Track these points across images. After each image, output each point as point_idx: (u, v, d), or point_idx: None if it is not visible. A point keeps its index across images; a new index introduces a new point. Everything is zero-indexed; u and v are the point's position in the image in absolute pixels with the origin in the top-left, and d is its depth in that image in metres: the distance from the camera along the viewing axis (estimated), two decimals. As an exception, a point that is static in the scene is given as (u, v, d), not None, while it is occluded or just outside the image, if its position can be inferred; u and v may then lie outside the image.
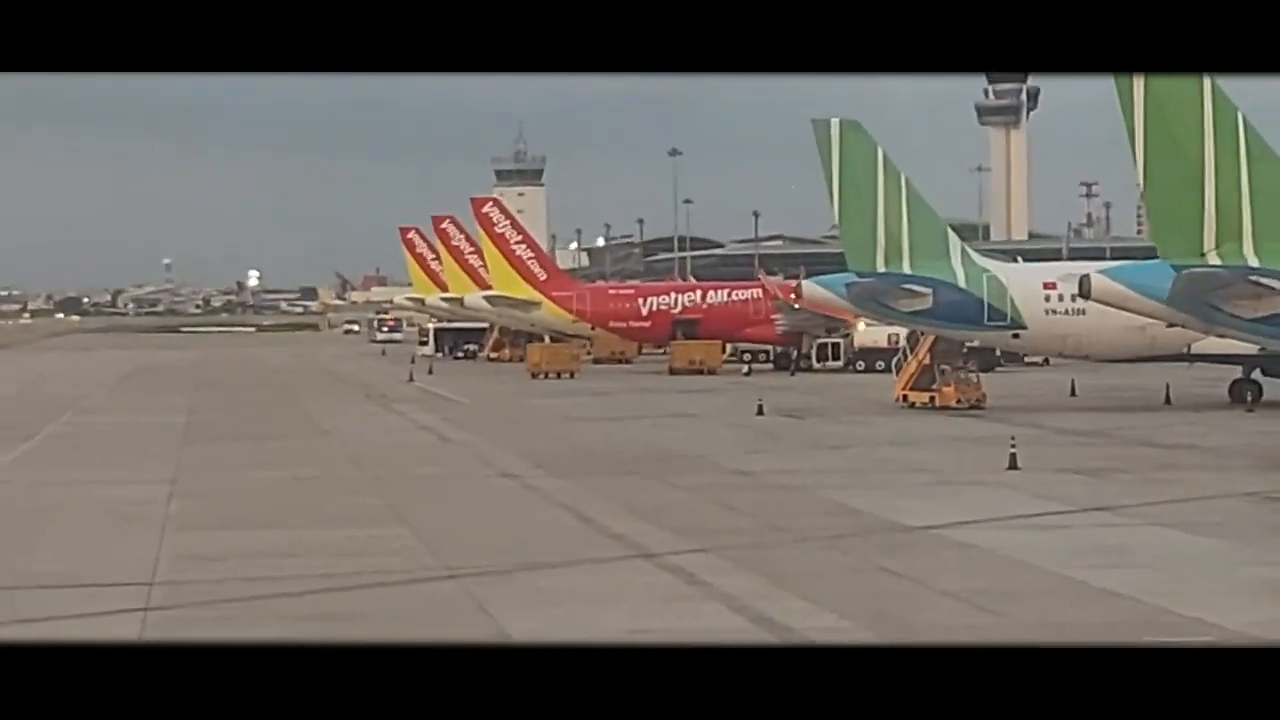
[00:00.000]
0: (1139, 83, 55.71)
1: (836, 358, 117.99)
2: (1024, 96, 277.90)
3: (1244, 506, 44.29)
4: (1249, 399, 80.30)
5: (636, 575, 33.51)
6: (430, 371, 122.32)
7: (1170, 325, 64.54)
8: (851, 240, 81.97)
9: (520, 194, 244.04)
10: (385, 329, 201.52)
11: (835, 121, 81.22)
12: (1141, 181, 57.99)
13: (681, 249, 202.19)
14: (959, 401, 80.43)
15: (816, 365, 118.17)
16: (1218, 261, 56.67)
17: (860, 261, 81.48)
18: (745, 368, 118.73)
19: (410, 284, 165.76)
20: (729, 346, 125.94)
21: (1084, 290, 63.08)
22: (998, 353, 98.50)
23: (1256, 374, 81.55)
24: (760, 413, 78.00)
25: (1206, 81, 55.99)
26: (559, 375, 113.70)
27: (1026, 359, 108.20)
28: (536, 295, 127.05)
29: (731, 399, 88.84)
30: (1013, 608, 29.42)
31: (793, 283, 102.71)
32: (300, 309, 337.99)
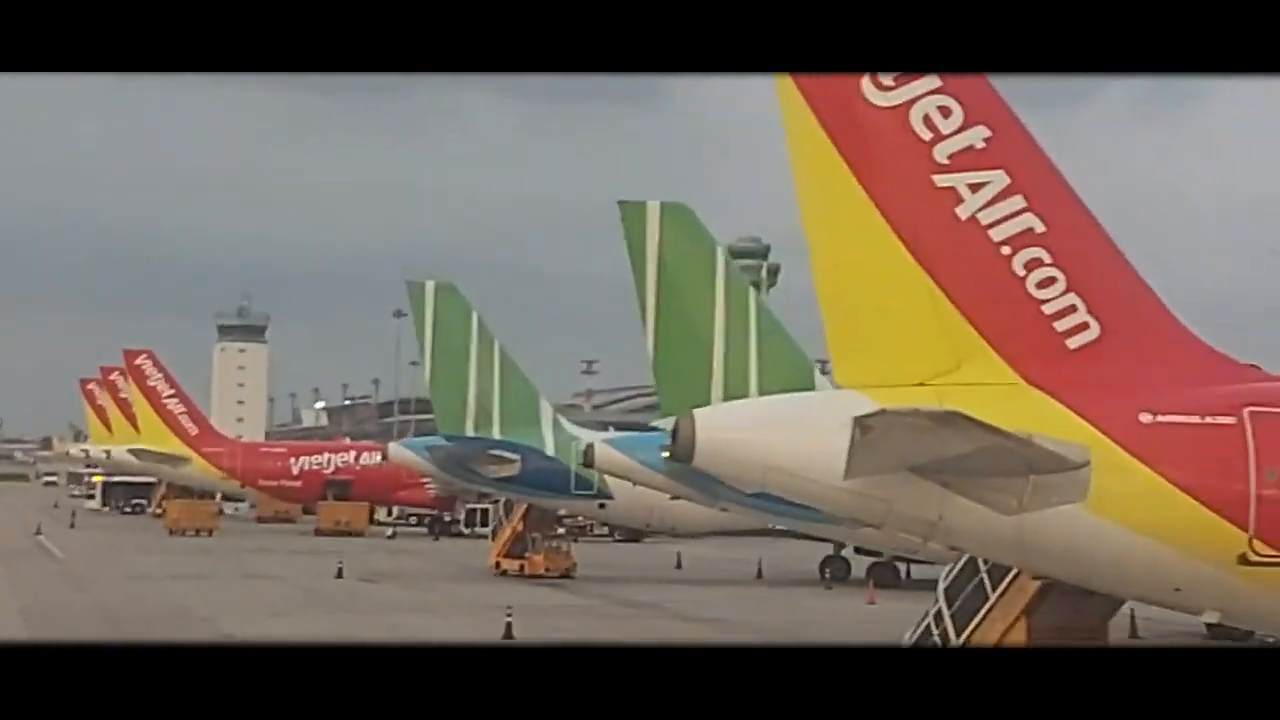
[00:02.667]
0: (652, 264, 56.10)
1: (485, 523, 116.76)
2: (764, 273, 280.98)
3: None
4: (827, 576, 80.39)
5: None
6: (72, 525, 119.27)
7: (673, 497, 63.94)
8: (442, 403, 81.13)
9: (242, 350, 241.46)
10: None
11: (430, 284, 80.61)
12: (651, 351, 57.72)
13: (411, 410, 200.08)
14: (547, 570, 79.67)
15: (466, 530, 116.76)
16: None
17: (450, 424, 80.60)
18: (390, 530, 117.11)
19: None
20: (396, 509, 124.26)
21: (588, 460, 62.38)
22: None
23: (848, 551, 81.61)
24: (339, 575, 76.63)
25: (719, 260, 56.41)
26: (197, 532, 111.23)
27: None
28: (186, 450, 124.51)
29: (329, 562, 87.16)
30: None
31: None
32: (31, 459, 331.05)
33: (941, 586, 36.00)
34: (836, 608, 67.27)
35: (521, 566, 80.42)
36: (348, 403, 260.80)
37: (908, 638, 36.90)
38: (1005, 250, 30.60)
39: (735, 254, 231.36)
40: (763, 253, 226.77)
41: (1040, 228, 30.70)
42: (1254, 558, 30.29)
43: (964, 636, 35.51)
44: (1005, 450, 29.75)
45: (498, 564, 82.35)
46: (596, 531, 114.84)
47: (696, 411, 31.39)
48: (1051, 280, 30.70)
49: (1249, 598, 30.70)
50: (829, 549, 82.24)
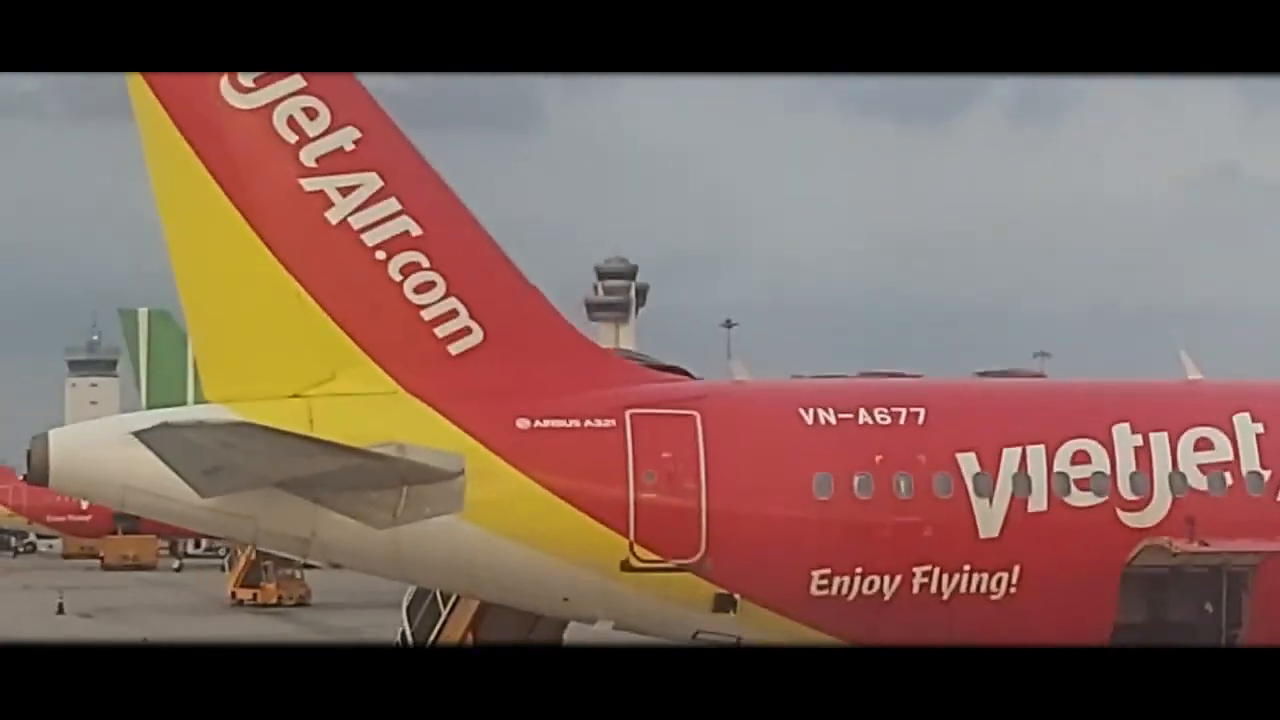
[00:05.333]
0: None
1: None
2: (633, 294, 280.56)
3: None
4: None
5: None
6: None
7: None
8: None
9: (94, 385, 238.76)
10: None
11: (143, 311, 79.36)
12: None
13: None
14: (280, 599, 78.39)
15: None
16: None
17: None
18: (177, 563, 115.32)
19: None
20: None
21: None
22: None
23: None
24: (60, 611, 75.06)
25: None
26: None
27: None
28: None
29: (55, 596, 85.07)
30: None
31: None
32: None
33: (405, 604, 35.01)
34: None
35: (254, 595, 79.08)
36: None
37: None
38: (380, 255, 29.68)
39: (602, 275, 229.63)
40: (630, 273, 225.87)
41: (416, 230, 29.79)
42: (636, 563, 29.46)
43: (420, 654, 34.47)
44: (370, 463, 28.87)
45: (233, 594, 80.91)
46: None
47: (52, 432, 30.33)
48: (430, 285, 29.80)
49: (636, 604, 29.86)
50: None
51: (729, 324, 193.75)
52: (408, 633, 34.56)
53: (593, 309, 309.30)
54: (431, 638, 34.16)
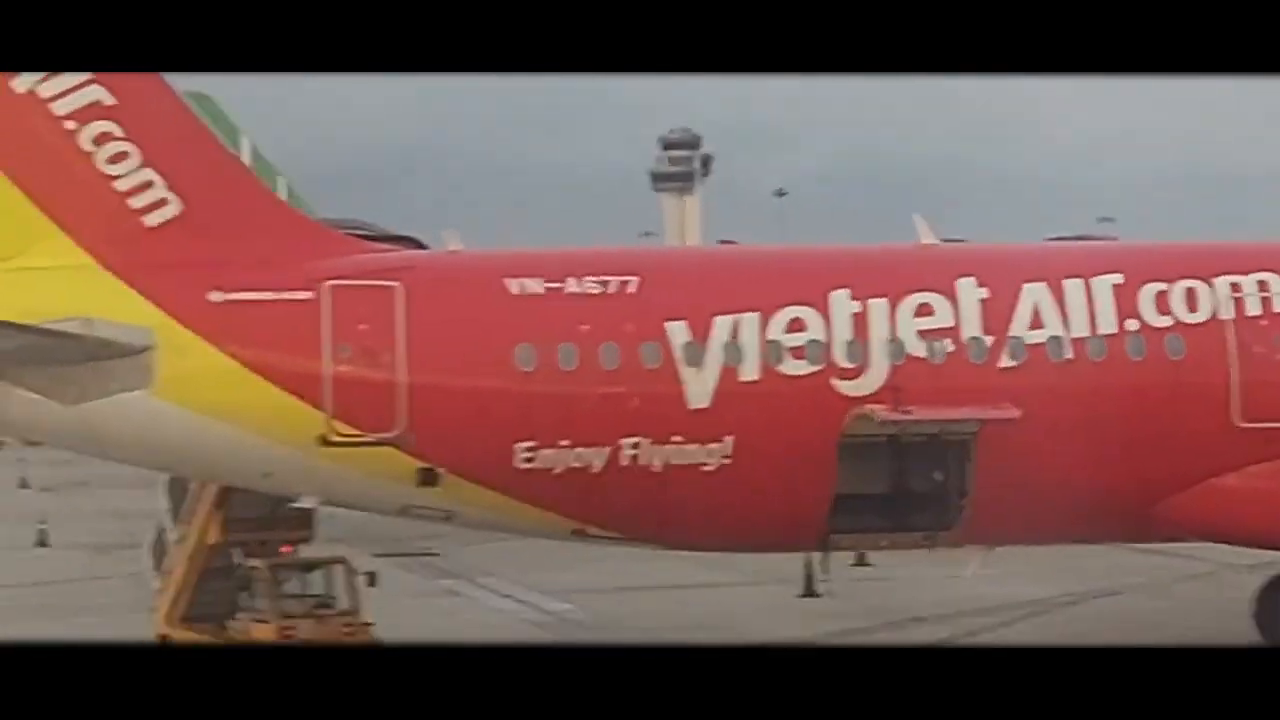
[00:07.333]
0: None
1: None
2: (698, 163, 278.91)
3: None
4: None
5: None
6: None
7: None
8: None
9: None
10: None
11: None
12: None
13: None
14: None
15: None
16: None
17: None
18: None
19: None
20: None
21: None
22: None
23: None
24: None
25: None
26: None
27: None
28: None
29: None
30: None
31: None
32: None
33: (162, 483, 34.34)
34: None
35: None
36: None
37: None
38: (69, 125, 28.93)
39: (667, 145, 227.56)
40: (694, 143, 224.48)
41: (110, 100, 29.01)
42: (335, 438, 28.76)
43: (177, 532, 33.81)
44: (52, 340, 28.28)
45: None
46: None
47: None
48: (124, 155, 29.04)
49: (339, 480, 29.20)
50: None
51: (780, 193, 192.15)
52: (163, 511, 34.06)
53: (658, 179, 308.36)
54: (183, 512, 33.64)
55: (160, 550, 33.90)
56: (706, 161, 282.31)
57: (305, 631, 30.22)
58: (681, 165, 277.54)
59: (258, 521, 32.33)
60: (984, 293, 29.51)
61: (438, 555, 47.82)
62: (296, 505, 30.42)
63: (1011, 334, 29.39)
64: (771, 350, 29.14)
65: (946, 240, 32.97)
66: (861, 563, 39.48)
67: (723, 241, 31.88)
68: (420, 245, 31.89)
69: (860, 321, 29.27)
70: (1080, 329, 29.50)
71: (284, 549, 32.08)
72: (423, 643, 7.08)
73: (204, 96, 60.85)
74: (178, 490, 34.06)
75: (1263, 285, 30.03)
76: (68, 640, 7.24)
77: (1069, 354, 29.43)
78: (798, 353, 29.18)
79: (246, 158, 71.84)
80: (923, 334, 29.31)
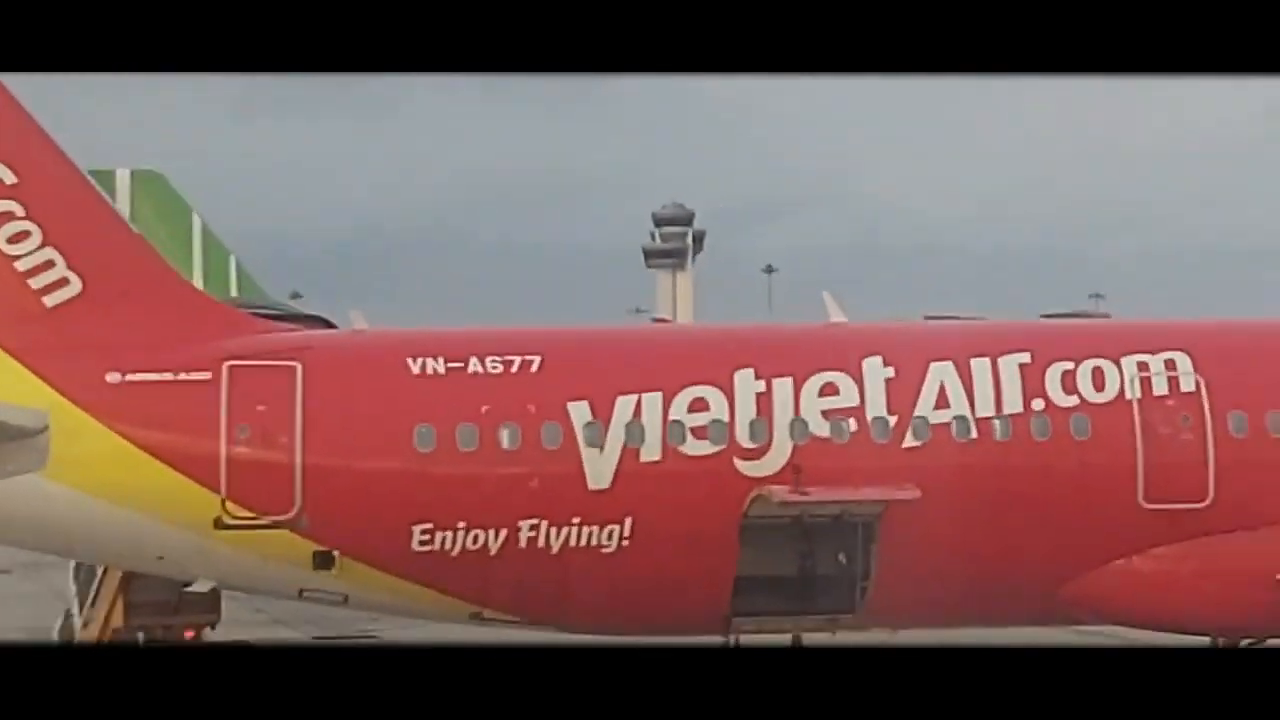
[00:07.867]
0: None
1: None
2: (690, 240, 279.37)
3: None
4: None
5: None
6: None
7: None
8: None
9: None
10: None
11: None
12: None
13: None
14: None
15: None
16: None
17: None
18: None
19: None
20: None
21: None
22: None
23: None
24: None
25: None
26: None
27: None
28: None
29: None
30: None
31: None
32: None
33: (71, 567, 34.18)
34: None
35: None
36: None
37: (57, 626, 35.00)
38: None
39: (659, 221, 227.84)
40: (687, 219, 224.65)
41: (11, 179, 28.87)
42: (229, 520, 28.45)
43: (82, 617, 33.60)
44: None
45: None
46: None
47: None
48: (25, 235, 28.86)
49: (234, 562, 28.85)
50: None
51: (769, 269, 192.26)
52: (71, 595, 33.81)
53: (650, 256, 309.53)
54: (91, 596, 33.37)
55: (68, 635, 33.59)
56: (699, 238, 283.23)
57: None
58: (674, 242, 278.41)
59: (161, 605, 32.07)
60: (889, 372, 29.24)
61: (376, 639, 47.40)
62: (194, 589, 30.12)
63: (916, 414, 29.09)
64: (674, 430, 28.86)
65: (935, 318, 32.88)
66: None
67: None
68: (331, 325, 31.61)
69: (764, 401, 29.00)
70: (986, 409, 29.21)
71: (188, 634, 31.79)
72: (423, 643, 6.97)
73: (155, 175, 61.10)
74: (87, 574, 33.80)
75: (1170, 364, 29.75)
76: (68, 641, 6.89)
77: (974, 434, 29.14)
78: (700, 433, 28.89)
79: (197, 237, 72.10)
80: (827, 414, 29.02)
